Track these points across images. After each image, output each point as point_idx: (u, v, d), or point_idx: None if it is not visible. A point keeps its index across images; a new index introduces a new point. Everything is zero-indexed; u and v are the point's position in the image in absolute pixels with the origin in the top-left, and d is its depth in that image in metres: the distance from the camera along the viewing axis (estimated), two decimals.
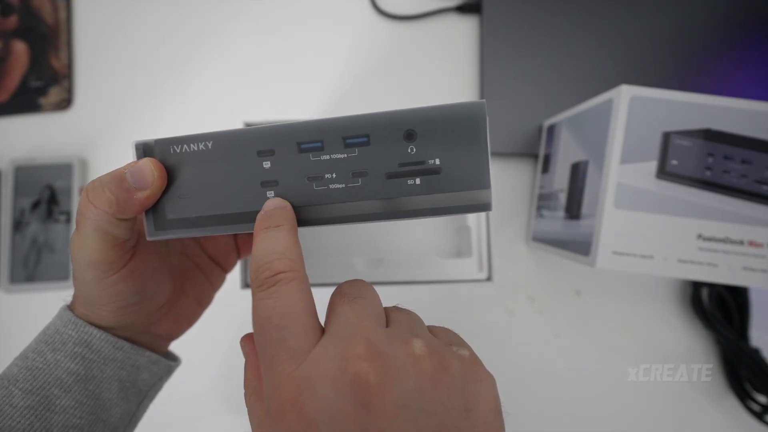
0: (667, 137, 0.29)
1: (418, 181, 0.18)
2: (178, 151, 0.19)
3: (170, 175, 0.19)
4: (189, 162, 0.19)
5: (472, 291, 0.42)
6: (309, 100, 0.44)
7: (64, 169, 0.42)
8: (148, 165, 0.18)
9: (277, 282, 0.16)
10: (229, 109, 0.44)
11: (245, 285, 0.31)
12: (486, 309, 0.42)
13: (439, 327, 0.19)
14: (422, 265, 0.33)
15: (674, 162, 0.29)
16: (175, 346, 0.27)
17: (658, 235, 0.30)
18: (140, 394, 0.24)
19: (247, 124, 0.34)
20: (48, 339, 0.21)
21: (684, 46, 0.42)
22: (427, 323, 0.18)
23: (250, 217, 0.19)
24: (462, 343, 0.17)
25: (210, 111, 0.44)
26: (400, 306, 0.19)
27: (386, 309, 0.18)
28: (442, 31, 0.44)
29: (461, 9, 0.43)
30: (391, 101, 0.44)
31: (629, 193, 0.30)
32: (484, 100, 0.18)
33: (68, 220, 0.41)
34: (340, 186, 0.18)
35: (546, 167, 0.40)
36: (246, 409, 0.17)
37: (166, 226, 0.20)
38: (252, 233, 0.18)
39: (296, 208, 0.19)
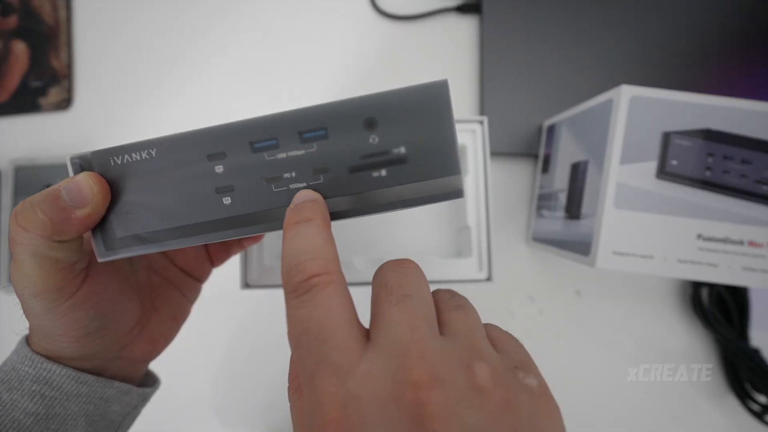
0: (667, 137, 0.29)
1: (384, 172, 0.17)
2: (119, 162, 0.17)
3: (114, 189, 0.17)
4: (133, 173, 0.17)
5: (472, 291, 0.42)
6: (309, 100, 0.44)
7: (64, 170, 0.42)
8: (86, 180, 0.16)
9: (312, 287, 0.14)
10: (228, 108, 0.44)
11: (245, 285, 0.31)
12: (486, 309, 0.42)
13: (501, 332, 0.17)
14: (422, 264, 0.32)
15: (674, 162, 0.29)
16: (172, 350, 0.26)
17: (658, 235, 0.30)
18: (112, 426, 0.22)
19: None
20: (4, 377, 0.20)
21: (684, 46, 0.42)
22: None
23: (209, 227, 0.17)
24: (528, 365, 0.15)
25: (210, 110, 0.44)
26: (453, 295, 0.17)
27: (438, 303, 0.16)
28: (442, 31, 0.44)
29: (461, 9, 0.43)
30: None
31: (629, 193, 0.30)
32: (446, 78, 0.16)
33: None
34: (301, 185, 0.17)
35: (546, 167, 0.40)
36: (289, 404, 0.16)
37: (117, 245, 0.18)
38: (214, 243, 0.18)
39: (255, 214, 0.17)
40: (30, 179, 0.42)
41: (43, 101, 0.43)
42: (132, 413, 0.24)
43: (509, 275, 0.42)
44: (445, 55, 0.44)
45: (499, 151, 0.41)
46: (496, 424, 0.12)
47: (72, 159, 0.17)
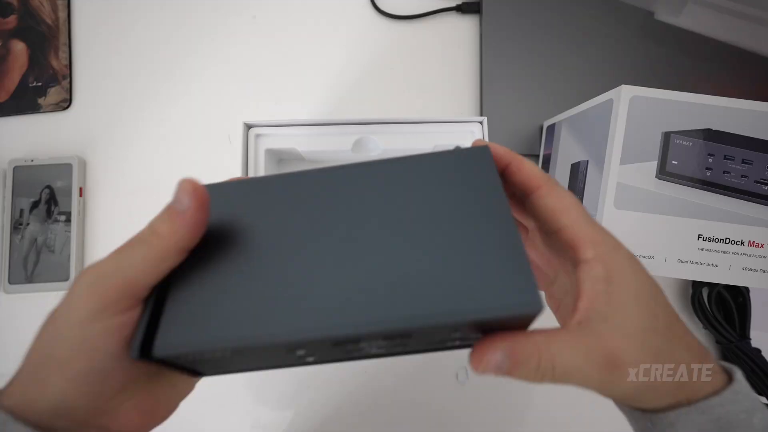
0: (667, 137, 0.29)
1: (458, 342, 0.18)
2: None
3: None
4: (206, 360, 0.17)
5: None
6: (309, 100, 0.44)
7: (64, 170, 0.42)
8: (182, 185, 0.17)
9: None
10: (228, 108, 0.44)
11: None
12: None
13: None
14: None
15: (674, 162, 0.29)
16: None
17: (658, 235, 0.30)
18: None
19: (247, 125, 0.34)
20: None
21: (684, 46, 0.42)
22: None
23: (271, 365, 0.19)
24: None
25: (210, 110, 0.44)
26: None
27: None
28: (442, 31, 0.44)
29: (461, 9, 0.43)
30: (391, 101, 0.44)
31: (629, 193, 0.29)
32: (541, 304, 0.15)
33: (68, 221, 0.41)
34: (379, 351, 0.18)
35: (546, 167, 0.40)
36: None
37: (150, 357, 0.16)
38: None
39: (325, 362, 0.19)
40: (29, 179, 0.42)
41: (42, 101, 0.43)
42: None
43: None
44: (445, 55, 0.44)
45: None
46: None
47: None
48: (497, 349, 0.15)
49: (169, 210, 0.17)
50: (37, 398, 0.16)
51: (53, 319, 0.17)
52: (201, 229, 0.18)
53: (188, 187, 0.17)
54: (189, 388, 0.21)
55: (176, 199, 0.17)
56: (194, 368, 0.19)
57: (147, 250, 0.17)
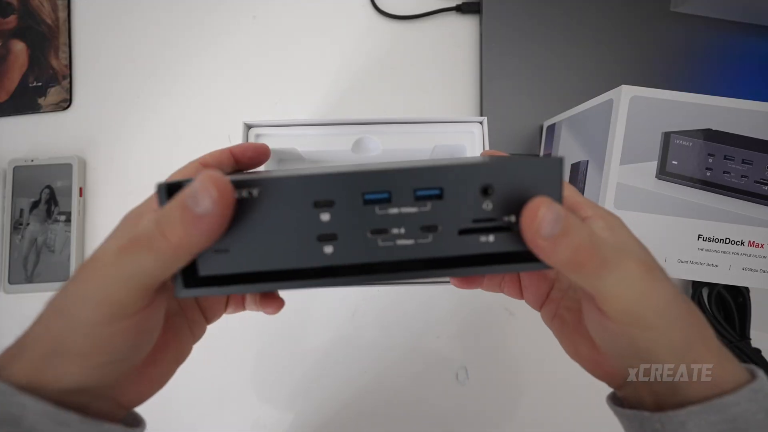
0: (667, 137, 0.29)
1: (491, 238, 0.17)
2: None
3: None
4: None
5: (472, 291, 0.42)
6: (309, 100, 0.44)
7: (64, 170, 0.42)
8: (201, 182, 0.15)
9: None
10: (228, 108, 0.44)
11: None
12: (486, 309, 0.42)
13: None
14: None
15: (674, 162, 0.29)
16: (223, 324, 0.24)
17: (658, 235, 0.30)
18: None
19: (247, 125, 0.34)
20: None
21: (684, 46, 0.42)
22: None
23: (303, 274, 0.16)
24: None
25: (210, 110, 0.44)
26: None
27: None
28: (442, 31, 0.44)
29: (461, 9, 0.43)
30: (391, 101, 0.44)
31: (629, 193, 0.29)
32: (563, 156, 0.17)
33: (67, 221, 0.41)
34: (409, 242, 0.16)
35: None
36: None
37: (198, 284, 0.17)
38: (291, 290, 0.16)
39: (355, 266, 0.17)
40: (29, 179, 0.42)
41: (42, 101, 0.43)
42: None
43: None
44: (445, 55, 0.44)
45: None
46: None
47: (160, 185, 0.16)
48: (551, 208, 0.15)
49: (184, 210, 0.15)
50: (52, 381, 0.16)
51: (60, 312, 0.16)
52: (220, 233, 0.15)
53: (212, 185, 0.14)
54: (184, 357, 0.22)
55: (194, 198, 0.14)
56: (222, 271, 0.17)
57: (156, 256, 0.15)
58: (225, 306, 0.25)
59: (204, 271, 0.16)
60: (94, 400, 0.18)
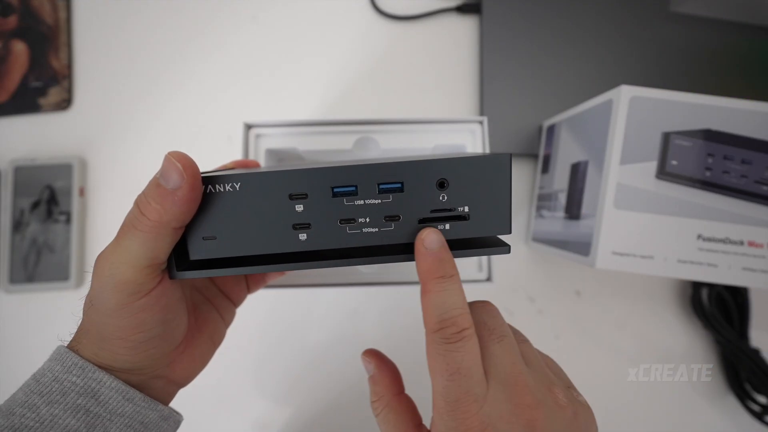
0: (667, 137, 0.29)
1: (447, 226, 0.19)
2: (204, 191, 0.18)
3: (195, 214, 0.18)
4: (215, 203, 0.18)
5: (472, 291, 0.42)
6: (308, 100, 0.44)
7: (64, 170, 0.42)
8: (169, 160, 0.17)
9: (463, 338, 0.18)
10: (228, 108, 0.44)
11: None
12: None
13: (544, 356, 0.21)
14: None
15: (674, 162, 0.29)
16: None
17: (658, 235, 0.30)
18: None
19: (247, 125, 0.34)
20: (43, 389, 0.18)
21: (684, 46, 0.42)
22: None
23: (281, 258, 0.19)
24: (572, 384, 0.21)
25: (210, 110, 0.44)
26: (515, 330, 0.21)
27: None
28: (442, 31, 0.44)
29: (461, 9, 0.43)
30: (391, 101, 0.44)
31: (629, 194, 0.30)
32: (510, 153, 0.19)
33: (68, 221, 0.41)
34: (374, 230, 0.19)
35: (546, 167, 0.40)
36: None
37: (189, 267, 0.19)
38: (276, 273, 0.18)
39: (327, 251, 0.19)
40: (30, 179, 0.42)
41: (42, 101, 0.43)
42: None
43: (509, 275, 0.42)
44: (445, 55, 0.44)
45: (499, 151, 0.41)
46: (571, 430, 0.18)
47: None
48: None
49: (157, 187, 0.17)
50: (110, 361, 0.19)
51: (91, 304, 0.19)
52: (194, 206, 0.17)
53: (177, 161, 0.16)
54: (220, 339, 0.26)
55: (164, 176, 0.16)
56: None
57: (142, 235, 0.17)
58: (247, 287, 0.28)
59: (194, 255, 0.19)
60: (150, 380, 0.21)
